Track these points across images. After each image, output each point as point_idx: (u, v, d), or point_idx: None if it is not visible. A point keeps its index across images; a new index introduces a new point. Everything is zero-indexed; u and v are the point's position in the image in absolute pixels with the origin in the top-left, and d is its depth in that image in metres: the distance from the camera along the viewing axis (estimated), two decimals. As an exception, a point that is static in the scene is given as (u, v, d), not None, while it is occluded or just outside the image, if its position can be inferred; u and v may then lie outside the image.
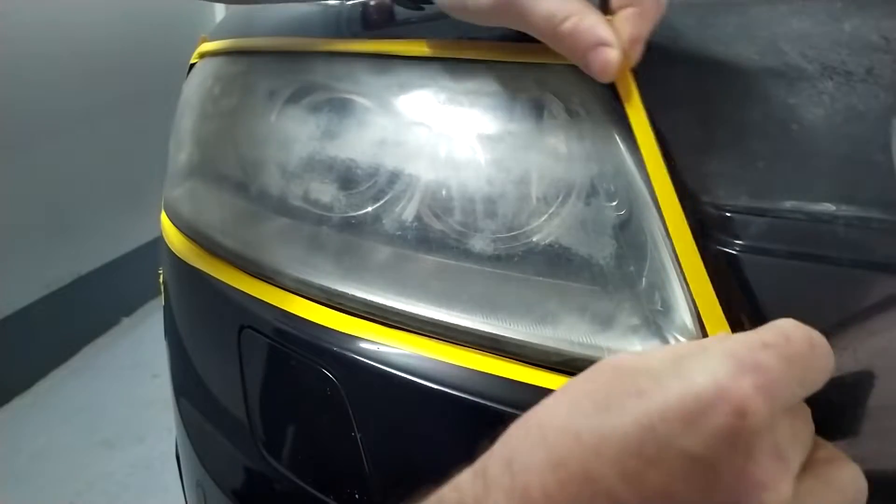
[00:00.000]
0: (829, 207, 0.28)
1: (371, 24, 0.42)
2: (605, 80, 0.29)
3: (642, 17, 0.28)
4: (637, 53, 0.29)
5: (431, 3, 0.32)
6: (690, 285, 0.29)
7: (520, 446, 0.22)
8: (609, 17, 0.29)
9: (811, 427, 0.23)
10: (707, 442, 0.19)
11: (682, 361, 0.22)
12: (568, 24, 0.28)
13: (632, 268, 0.32)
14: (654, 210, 0.31)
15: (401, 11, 0.42)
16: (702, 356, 0.21)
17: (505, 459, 0.22)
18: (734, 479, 0.19)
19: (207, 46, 0.52)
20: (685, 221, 0.29)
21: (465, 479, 0.24)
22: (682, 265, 0.29)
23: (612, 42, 0.28)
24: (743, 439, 0.19)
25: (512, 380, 0.32)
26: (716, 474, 0.19)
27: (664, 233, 0.30)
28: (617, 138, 0.32)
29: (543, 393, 0.31)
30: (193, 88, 0.52)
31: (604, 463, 0.20)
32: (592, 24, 0.28)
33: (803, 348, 0.21)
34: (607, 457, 0.20)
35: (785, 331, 0.22)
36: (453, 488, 0.24)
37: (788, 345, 0.21)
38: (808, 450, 0.22)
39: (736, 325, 0.29)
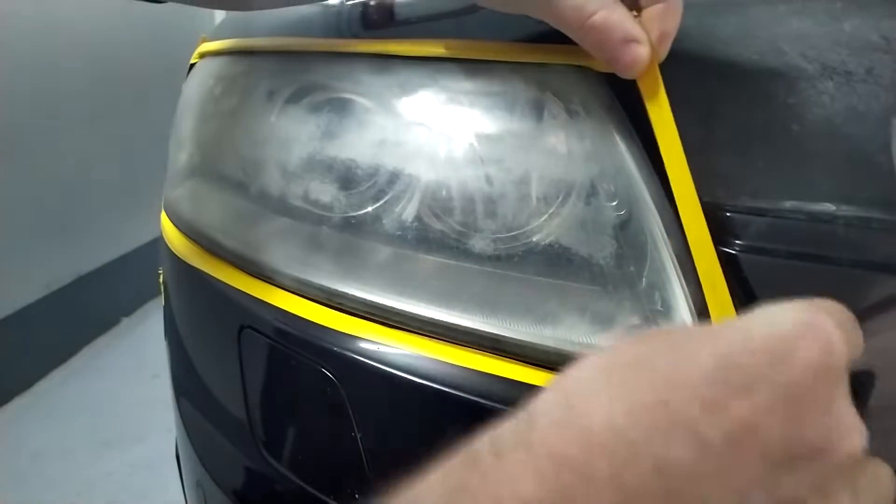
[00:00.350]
0: (829, 207, 0.28)
1: (371, 24, 0.42)
2: (632, 76, 0.29)
3: (670, 13, 0.28)
4: (666, 50, 0.29)
5: None
6: (704, 284, 0.29)
7: (577, 384, 0.20)
8: (636, 14, 0.29)
9: None
10: (798, 375, 0.18)
11: (751, 314, 0.20)
12: (597, 18, 0.27)
13: (632, 268, 0.32)
14: (653, 210, 0.31)
15: (401, 11, 0.42)
16: (775, 307, 0.20)
17: (558, 396, 0.19)
18: (822, 415, 0.18)
19: (207, 46, 0.52)
20: (703, 221, 0.29)
21: (506, 426, 0.20)
22: (697, 264, 0.29)
23: (641, 39, 0.28)
24: (832, 375, 0.18)
25: (512, 380, 0.32)
26: (804, 409, 0.18)
27: (664, 233, 0.30)
28: (617, 138, 0.32)
29: (543, 393, 0.31)
30: (193, 88, 0.52)
31: (683, 391, 0.18)
32: (622, 19, 0.27)
33: (850, 318, 0.21)
34: (687, 385, 0.18)
35: (834, 302, 0.22)
36: (490, 436, 0.20)
37: (842, 312, 0.21)
38: None
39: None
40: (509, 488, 0.17)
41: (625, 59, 0.28)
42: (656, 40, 0.28)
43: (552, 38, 0.34)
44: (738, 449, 0.17)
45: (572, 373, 0.20)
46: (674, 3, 0.28)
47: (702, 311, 0.30)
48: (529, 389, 0.32)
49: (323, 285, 0.38)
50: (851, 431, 0.19)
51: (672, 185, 0.29)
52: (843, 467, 0.18)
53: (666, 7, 0.28)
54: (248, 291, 0.41)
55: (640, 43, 0.28)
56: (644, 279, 0.31)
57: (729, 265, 0.29)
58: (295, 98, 0.42)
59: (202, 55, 0.53)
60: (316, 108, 0.40)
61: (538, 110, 0.34)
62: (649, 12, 0.28)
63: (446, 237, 0.35)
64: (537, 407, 0.20)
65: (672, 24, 0.28)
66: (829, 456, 0.18)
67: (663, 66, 0.32)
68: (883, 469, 0.22)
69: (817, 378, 0.18)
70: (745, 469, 0.17)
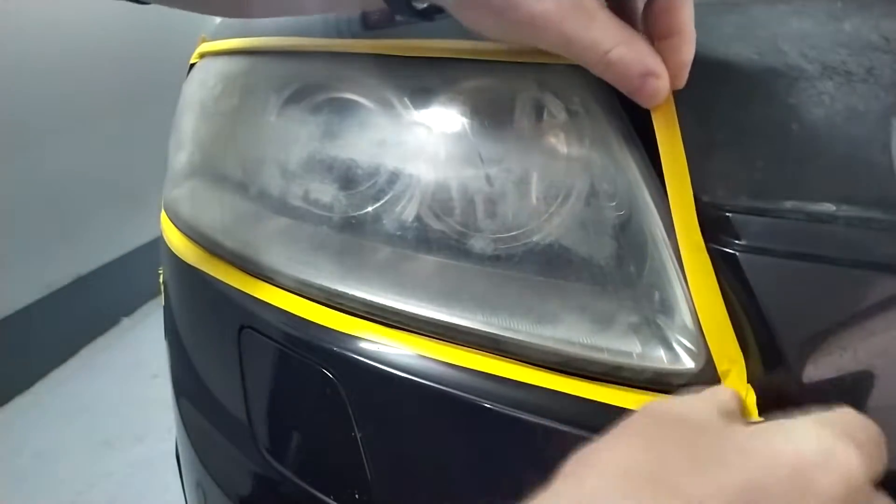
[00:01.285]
0: (829, 207, 0.28)
1: (371, 24, 0.42)
2: (651, 106, 0.30)
3: (685, 44, 0.28)
4: (683, 81, 0.29)
5: (441, 13, 0.31)
6: (694, 287, 0.29)
7: (594, 495, 0.20)
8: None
9: None
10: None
11: (780, 425, 0.22)
12: (614, 54, 0.27)
13: (632, 268, 0.32)
14: (653, 210, 0.31)
15: (401, 11, 0.42)
16: (805, 422, 0.22)
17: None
18: None
19: (207, 46, 0.52)
20: (703, 249, 0.29)
21: None
22: (688, 270, 0.29)
23: (660, 72, 0.28)
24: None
25: (512, 380, 0.32)
26: None
27: (664, 233, 0.30)
28: (617, 138, 0.32)
29: (543, 393, 0.31)
30: (193, 88, 0.52)
31: None
32: (640, 53, 0.28)
33: (874, 433, 0.22)
34: None
35: (856, 416, 0.23)
36: None
37: (864, 428, 0.22)
38: None
39: (736, 326, 0.29)
40: None
41: (644, 93, 0.28)
42: (675, 70, 0.28)
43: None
44: None
45: (591, 477, 0.20)
46: (688, 34, 0.28)
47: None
48: (529, 389, 0.32)
49: (323, 285, 0.38)
50: None
51: (674, 217, 0.29)
52: None
53: (680, 38, 0.28)
54: (248, 291, 0.41)
55: (658, 76, 0.28)
56: (644, 279, 0.31)
57: (729, 265, 0.29)
58: (295, 98, 0.42)
59: (202, 55, 0.53)
60: (316, 108, 0.40)
61: (538, 110, 0.34)
62: (665, 44, 0.28)
63: (446, 237, 0.35)
64: None
65: (688, 55, 0.28)
66: None
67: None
68: None
69: None
70: None
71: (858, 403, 0.27)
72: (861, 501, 0.19)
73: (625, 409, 0.31)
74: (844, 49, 0.30)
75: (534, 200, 0.34)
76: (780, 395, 0.28)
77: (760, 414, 0.27)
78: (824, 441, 0.20)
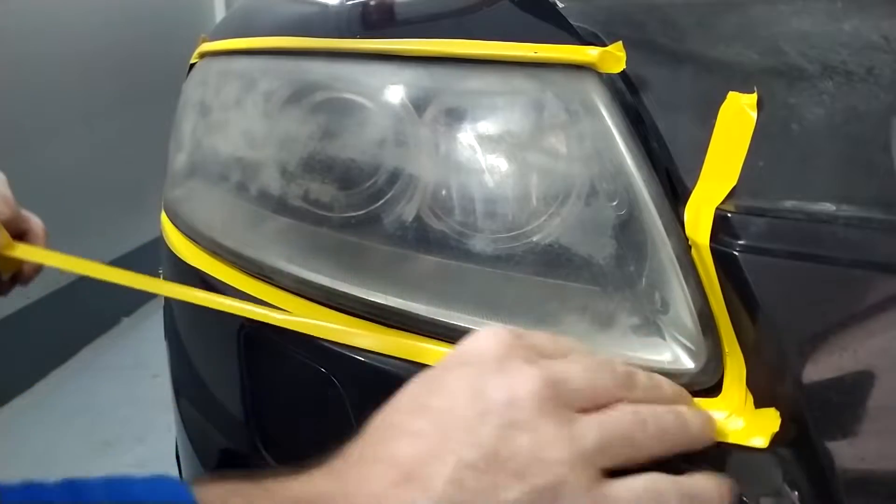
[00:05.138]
0: (829, 207, 0.28)
1: (371, 23, 0.42)
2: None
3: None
4: None
5: None
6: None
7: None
8: None
9: None
10: None
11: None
12: None
13: (632, 268, 0.32)
14: (653, 210, 0.31)
15: (401, 11, 0.42)
16: None
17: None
18: None
19: (207, 46, 0.52)
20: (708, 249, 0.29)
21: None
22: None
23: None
24: None
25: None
26: None
27: (664, 233, 0.30)
28: (617, 138, 0.32)
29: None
30: (193, 88, 0.52)
31: None
32: None
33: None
34: None
35: None
36: None
37: None
38: None
39: (736, 325, 0.29)
40: None
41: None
42: None
43: (552, 38, 0.34)
44: None
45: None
46: None
47: (702, 310, 0.30)
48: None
49: (323, 285, 0.38)
50: None
51: (686, 215, 0.30)
52: None
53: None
54: (248, 291, 0.41)
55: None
56: (644, 279, 0.31)
57: (729, 265, 0.29)
58: (295, 98, 0.42)
59: (202, 55, 0.53)
60: (316, 108, 0.40)
61: (538, 110, 0.34)
62: None
63: (446, 237, 0.35)
64: None
65: None
66: None
67: (664, 66, 0.32)
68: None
69: None
70: None
71: (858, 403, 0.27)
72: None
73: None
74: (844, 49, 0.30)
75: (534, 200, 0.34)
76: (779, 394, 0.28)
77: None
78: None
